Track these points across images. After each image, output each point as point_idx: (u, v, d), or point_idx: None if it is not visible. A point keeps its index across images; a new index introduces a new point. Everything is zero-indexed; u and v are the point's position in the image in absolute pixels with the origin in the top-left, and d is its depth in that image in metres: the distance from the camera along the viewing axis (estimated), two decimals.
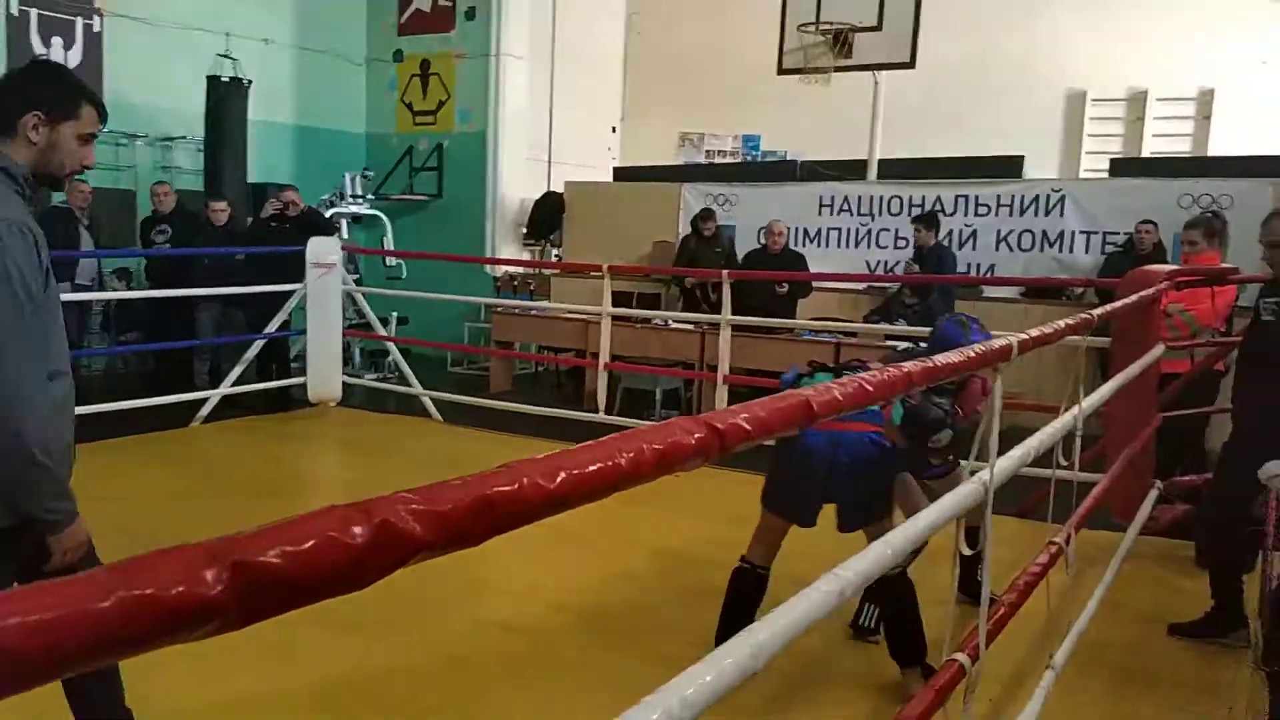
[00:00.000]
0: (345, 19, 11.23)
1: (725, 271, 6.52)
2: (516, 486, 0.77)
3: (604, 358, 6.75)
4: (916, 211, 8.48)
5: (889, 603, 3.14)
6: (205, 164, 9.26)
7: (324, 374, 7.38)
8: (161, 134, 9.51)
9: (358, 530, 0.65)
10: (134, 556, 0.60)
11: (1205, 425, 5.27)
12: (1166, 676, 3.47)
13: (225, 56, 9.34)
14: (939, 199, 8.49)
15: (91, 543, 2.16)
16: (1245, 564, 3.87)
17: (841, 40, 8.44)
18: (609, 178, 11.23)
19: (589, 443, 0.90)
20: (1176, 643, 3.72)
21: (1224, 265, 4.99)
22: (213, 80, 9.07)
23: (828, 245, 8.86)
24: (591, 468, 0.86)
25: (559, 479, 0.81)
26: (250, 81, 9.28)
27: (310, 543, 0.63)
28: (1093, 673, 3.35)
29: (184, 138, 9.56)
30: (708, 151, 13.18)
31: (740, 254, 8.48)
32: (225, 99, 9.03)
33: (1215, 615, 3.74)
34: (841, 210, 8.92)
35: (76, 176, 2.19)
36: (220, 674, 2.96)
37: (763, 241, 8.19)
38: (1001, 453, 2.06)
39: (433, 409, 7.51)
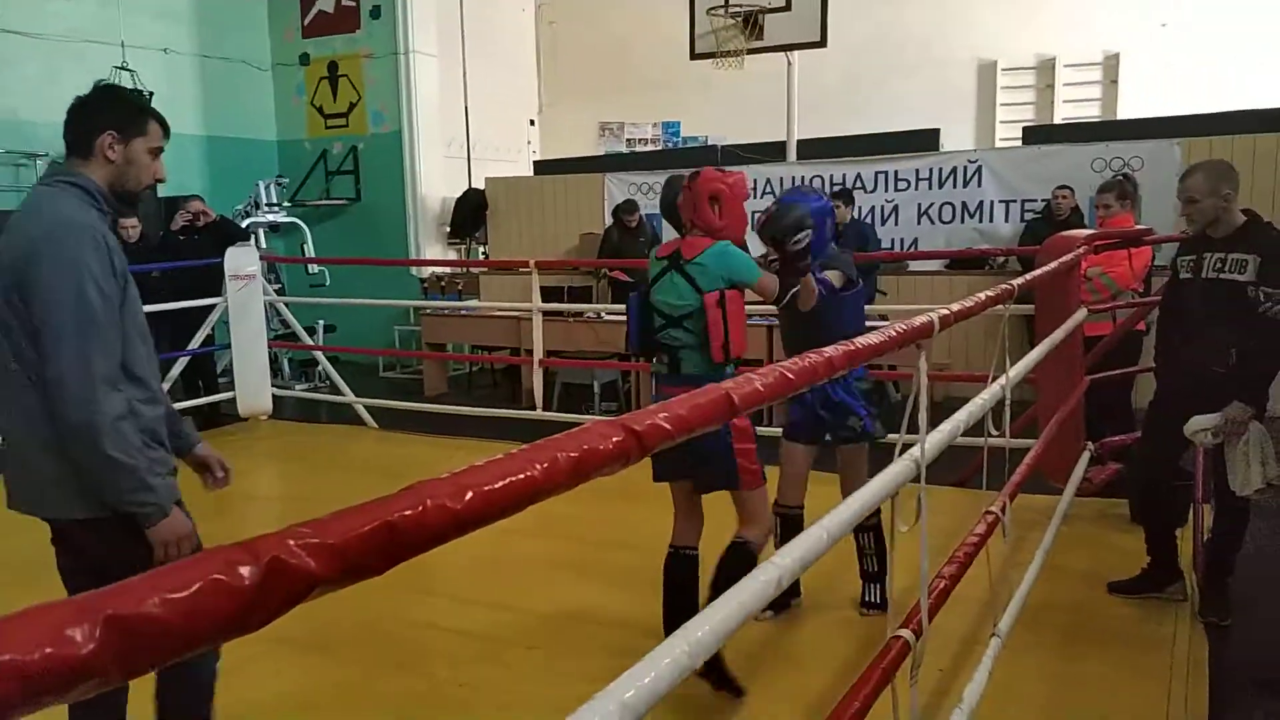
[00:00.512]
0: (246, 24, 10.91)
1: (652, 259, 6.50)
2: (420, 509, 0.73)
3: (538, 354, 6.69)
4: (837, 189, 8.56)
5: (723, 571, 3.04)
6: None
7: (253, 387, 7.19)
8: (63, 152, 9.14)
9: (245, 571, 0.61)
10: None
11: (1131, 385, 5.39)
12: (1109, 634, 3.55)
13: (123, 69, 9.03)
14: (859, 176, 8.58)
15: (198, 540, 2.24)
16: (1177, 519, 3.98)
17: (752, 22, 8.45)
18: (530, 171, 11.13)
19: (498, 456, 0.86)
20: (1117, 600, 3.80)
21: (1139, 227, 5.10)
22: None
23: (753, 229, 8.87)
24: (502, 483, 0.82)
25: (467, 498, 0.78)
26: (152, 93, 8.97)
27: (194, 588, 0.59)
28: (1038, 636, 3.41)
29: None
30: (628, 140, 13.14)
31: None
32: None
33: (1152, 571, 3.83)
34: (765, 193, 8.95)
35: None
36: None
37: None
38: (933, 426, 2.07)
39: (367, 416, 7.38)
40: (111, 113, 2.23)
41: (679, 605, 3.07)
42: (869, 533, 3.64)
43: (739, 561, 2.99)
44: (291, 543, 0.64)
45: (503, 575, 4.11)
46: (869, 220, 8.43)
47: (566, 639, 3.57)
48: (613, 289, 8.53)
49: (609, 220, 9.30)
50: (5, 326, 2.08)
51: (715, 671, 3.01)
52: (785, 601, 3.73)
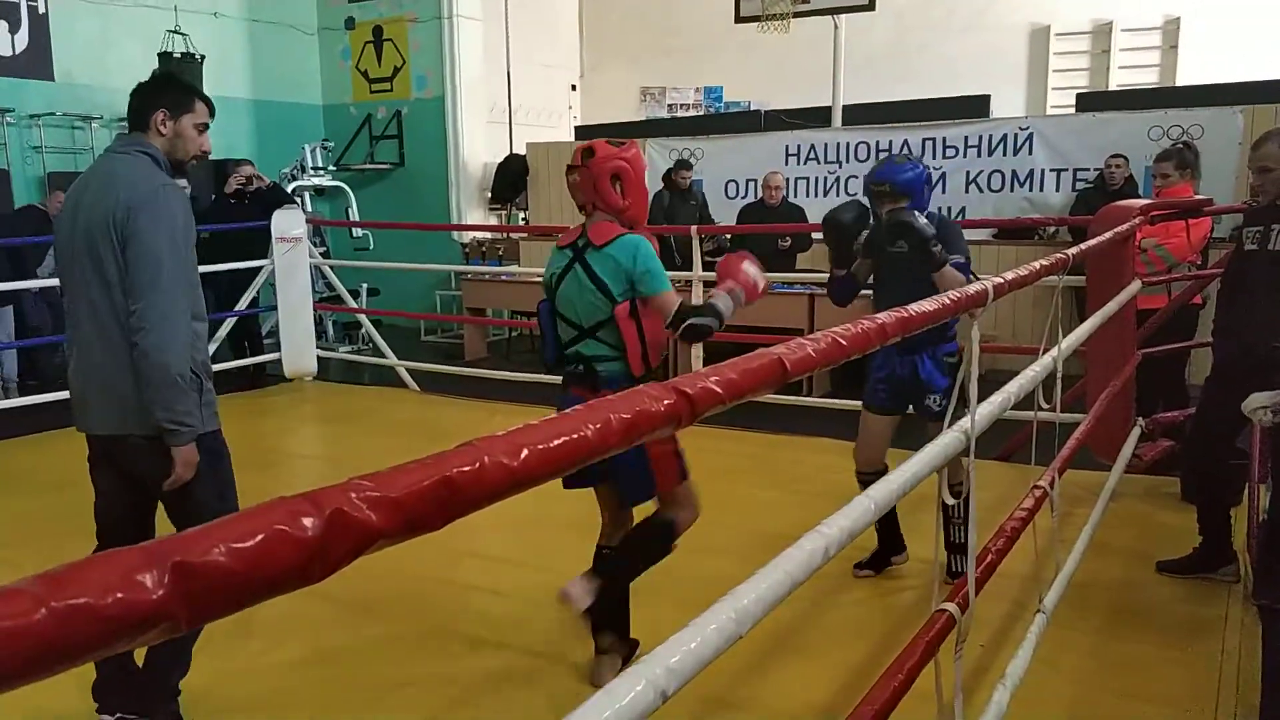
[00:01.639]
0: None
1: (694, 228, 6.46)
2: (478, 466, 0.74)
3: None
4: (884, 156, 8.44)
5: (634, 534, 2.95)
6: None
7: (298, 349, 7.30)
8: (117, 115, 9.28)
9: (308, 522, 0.61)
10: (68, 564, 0.56)
11: (1185, 360, 5.28)
12: (1157, 614, 3.47)
13: (175, 32, 9.10)
14: (906, 142, 8.43)
15: (228, 478, 2.69)
16: (1232, 498, 3.87)
17: None
18: (571, 137, 11.09)
19: (553, 416, 0.86)
20: (1166, 580, 3.72)
21: (1197, 197, 4.96)
22: (164, 57, 8.85)
23: (796, 195, 8.78)
24: (557, 442, 0.82)
25: (523, 455, 0.78)
26: (203, 57, 9.07)
27: (258, 538, 0.60)
28: (1083, 614, 3.36)
29: None
30: (670, 105, 13.03)
31: (711, 206, 8.39)
32: (179, 75, 8.81)
33: (1203, 551, 3.74)
34: (809, 159, 8.85)
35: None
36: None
37: (756, 194, 8.12)
38: (982, 397, 2.04)
39: (409, 379, 7.45)
40: (164, 93, 2.61)
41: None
42: (959, 501, 3.55)
43: (652, 530, 2.89)
44: (353, 495, 0.64)
45: (542, 536, 4.14)
46: None
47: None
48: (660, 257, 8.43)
49: (651, 185, 9.24)
50: (99, 264, 2.46)
51: (608, 613, 2.90)
52: (886, 559, 3.76)
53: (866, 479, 3.58)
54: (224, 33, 10.10)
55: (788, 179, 8.92)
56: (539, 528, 4.12)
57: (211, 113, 2.67)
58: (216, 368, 6.99)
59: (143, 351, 2.41)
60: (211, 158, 9.13)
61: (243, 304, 7.29)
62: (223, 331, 7.20)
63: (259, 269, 7.26)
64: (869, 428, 3.66)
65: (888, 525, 3.70)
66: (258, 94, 10.57)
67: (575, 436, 0.86)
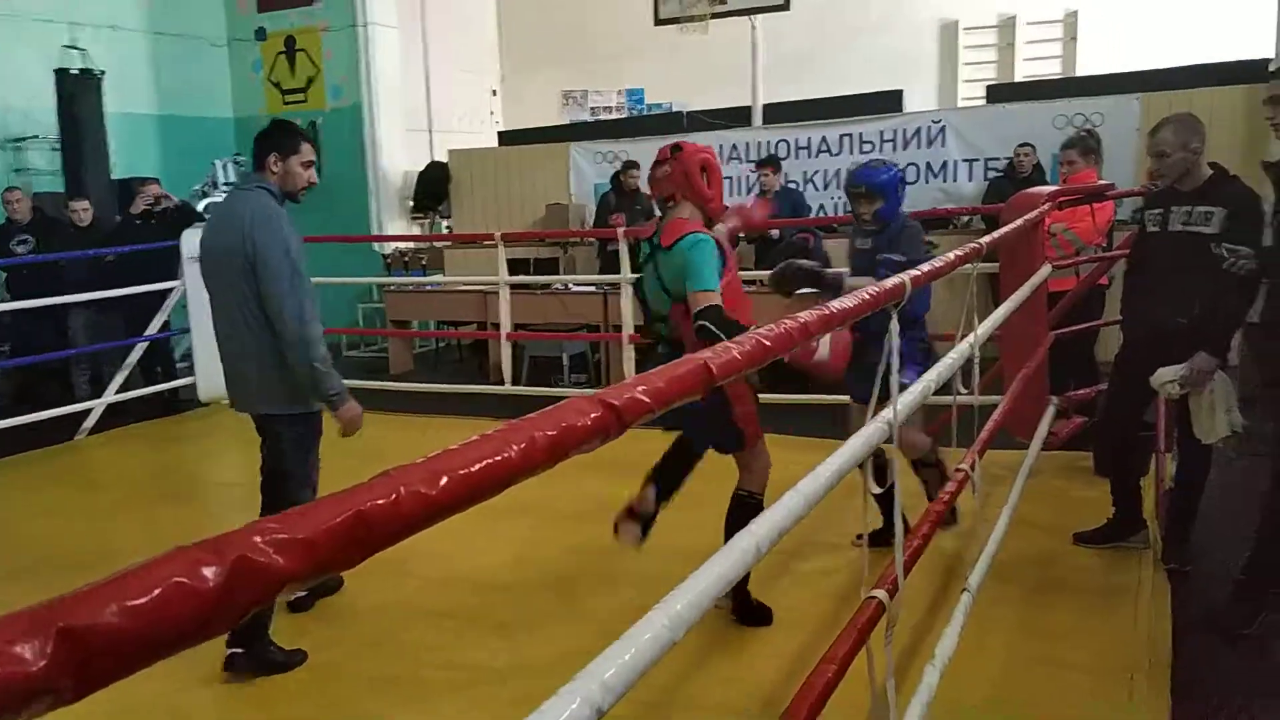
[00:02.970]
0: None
1: (620, 230, 6.46)
2: (394, 498, 0.70)
3: (505, 328, 6.64)
4: (804, 154, 8.53)
5: (729, 519, 3.22)
6: (63, 163, 8.72)
7: (213, 372, 7.01)
8: (12, 135, 8.92)
9: (209, 572, 0.58)
10: None
11: (1094, 339, 5.44)
12: (1076, 584, 3.61)
13: (72, 48, 8.78)
14: (824, 139, 8.57)
15: (315, 456, 3.40)
16: (1140, 469, 4.04)
17: None
18: (494, 143, 10.99)
19: (473, 439, 0.83)
20: (1083, 551, 3.88)
21: (1101, 182, 5.12)
22: (62, 74, 8.53)
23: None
24: (478, 466, 0.79)
25: (443, 483, 0.75)
26: (103, 72, 8.76)
27: (154, 593, 0.56)
28: (1007, 589, 3.46)
29: (36, 137, 8.97)
30: (592, 109, 13.01)
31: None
32: (77, 93, 8.50)
33: (1116, 521, 3.90)
34: (731, 158, 8.91)
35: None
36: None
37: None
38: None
39: None
40: (274, 138, 3.27)
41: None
42: (930, 468, 3.75)
43: (739, 509, 3.18)
44: (258, 539, 0.61)
45: (478, 551, 4.09)
46: (833, 183, 8.43)
47: (542, 613, 3.56)
48: (601, 260, 8.21)
49: (575, 189, 9.21)
50: (233, 279, 3.13)
51: (743, 606, 3.29)
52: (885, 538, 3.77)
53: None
54: (124, 46, 9.76)
55: None
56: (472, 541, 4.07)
57: (315, 151, 3.36)
58: (126, 396, 6.80)
59: (289, 345, 3.08)
60: (115, 177, 8.88)
61: (154, 327, 7.04)
62: (133, 357, 6.95)
63: (169, 290, 7.03)
64: (858, 419, 3.68)
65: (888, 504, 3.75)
66: (164, 109, 10.24)
67: (498, 458, 0.83)
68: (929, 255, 3.68)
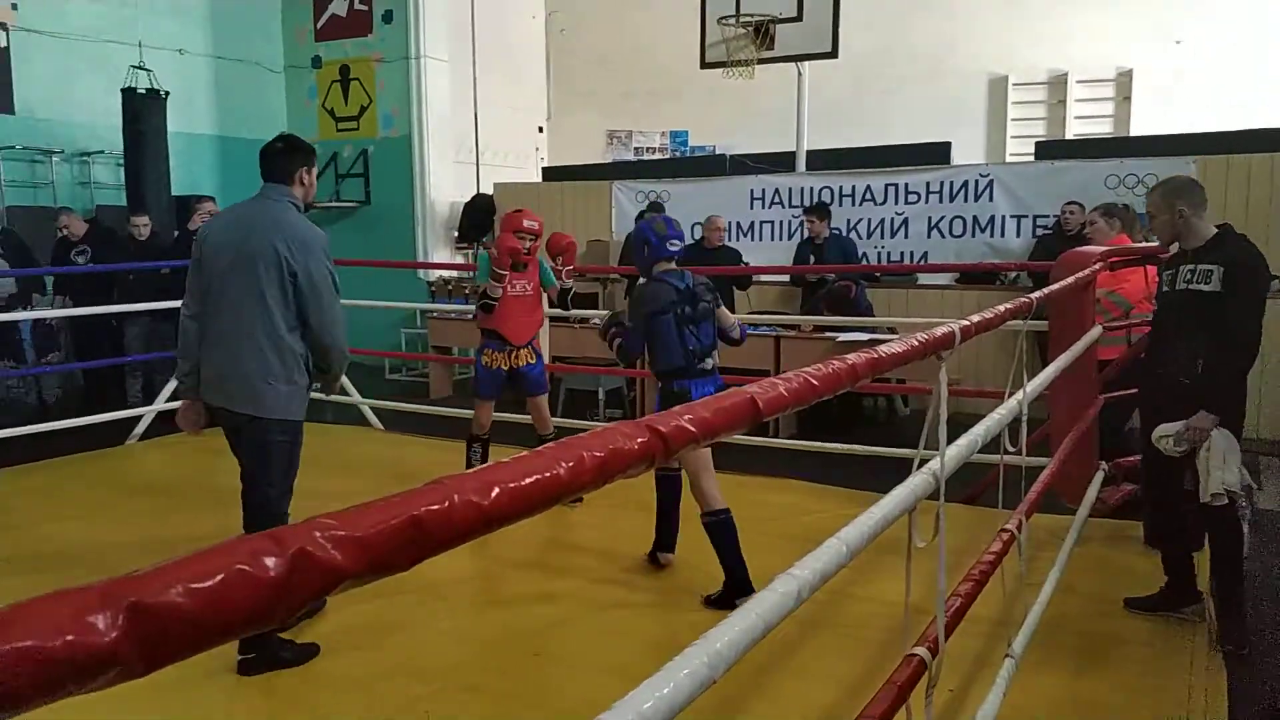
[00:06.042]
0: (260, 27, 10.96)
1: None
2: (447, 505, 0.71)
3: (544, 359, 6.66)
4: (847, 202, 8.54)
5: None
6: (126, 178, 8.96)
7: None
8: (78, 149, 9.19)
9: (270, 562, 0.59)
10: (14, 604, 0.53)
11: (1130, 407, 5.33)
12: (1125, 656, 3.46)
13: (140, 68, 9.04)
14: (869, 188, 8.55)
15: (297, 461, 3.50)
16: (1192, 541, 3.86)
17: (763, 32, 8.45)
18: (538, 178, 11.12)
19: (525, 453, 0.84)
20: (1133, 623, 3.70)
21: (1151, 244, 5.05)
22: (128, 93, 8.78)
23: (760, 238, 8.87)
24: (528, 480, 0.80)
25: (494, 494, 0.75)
26: (168, 93, 9.00)
27: (218, 578, 0.57)
28: (1051, 656, 3.33)
29: (102, 152, 9.25)
30: (636, 149, 13.14)
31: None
32: (142, 112, 8.73)
33: (1169, 590, 3.76)
34: (773, 203, 8.94)
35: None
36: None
37: (698, 236, 8.17)
38: (950, 439, 2.04)
39: (372, 417, 7.36)
40: (303, 152, 3.44)
41: None
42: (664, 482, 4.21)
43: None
44: (318, 534, 0.62)
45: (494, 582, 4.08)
46: (878, 233, 8.42)
47: (570, 647, 3.54)
48: (629, 297, 8.40)
49: (617, 227, 9.27)
50: (256, 284, 3.20)
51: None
52: None
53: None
54: (189, 69, 10.05)
55: (753, 222, 9.01)
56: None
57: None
58: (176, 404, 6.93)
59: (327, 346, 3.33)
60: (174, 193, 9.10)
61: None
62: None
63: None
64: None
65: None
66: (223, 130, 10.51)
67: (548, 474, 0.84)
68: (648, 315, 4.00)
